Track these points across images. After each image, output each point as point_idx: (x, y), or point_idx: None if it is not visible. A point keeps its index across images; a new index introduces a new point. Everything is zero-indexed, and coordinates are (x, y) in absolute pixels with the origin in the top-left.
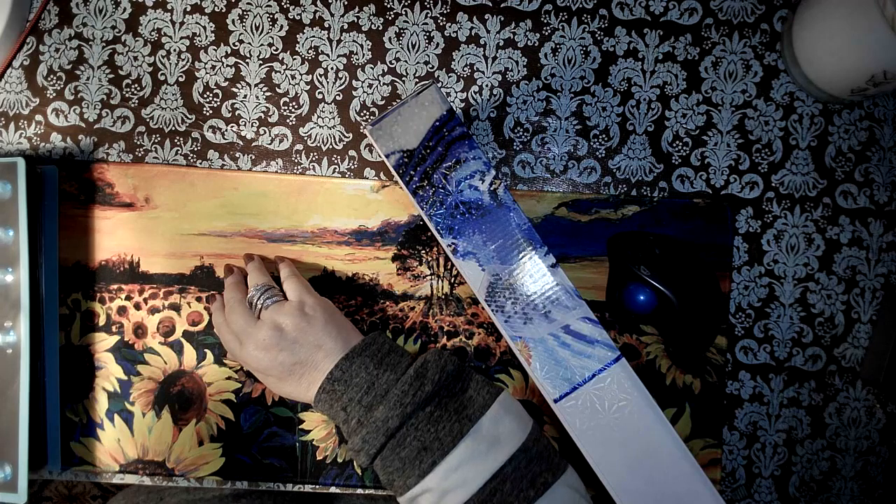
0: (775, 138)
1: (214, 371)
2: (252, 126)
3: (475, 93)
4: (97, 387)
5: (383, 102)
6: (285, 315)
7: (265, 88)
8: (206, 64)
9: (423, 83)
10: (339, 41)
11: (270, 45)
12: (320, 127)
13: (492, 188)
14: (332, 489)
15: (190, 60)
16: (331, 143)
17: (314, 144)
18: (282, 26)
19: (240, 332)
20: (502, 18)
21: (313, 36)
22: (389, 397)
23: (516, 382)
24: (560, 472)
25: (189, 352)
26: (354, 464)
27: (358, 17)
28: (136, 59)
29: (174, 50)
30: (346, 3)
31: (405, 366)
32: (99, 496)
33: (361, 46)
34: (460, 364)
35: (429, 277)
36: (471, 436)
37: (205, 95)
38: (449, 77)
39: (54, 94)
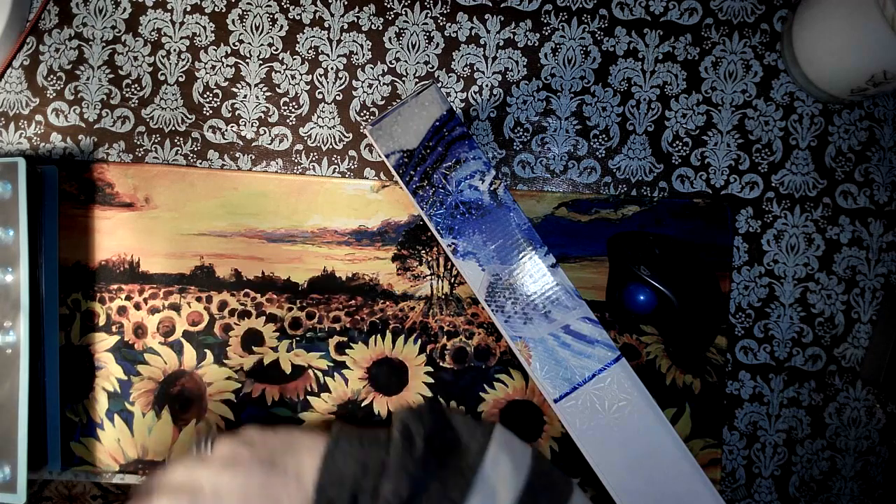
0: (775, 138)
1: (214, 371)
2: (252, 126)
3: (475, 93)
4: (97, 387)
5: (383, 102)
6: (241, 433)
7: (265, 88)
8: (206, 64)
9: (423, 83)
10: (339, 41)
11: (270, 45)
12: (320, 127)
13: (492, 188)
14: None
15: (190, 60)
16: (331, 143)
17: (314, 144)
18: (282, 26)
19: (186, 482)
20: (502, 18)
21: (313, 36)
22: (389, 469)
23: (516, 382)
24: (566, 498)
25: (189, 352)
26: None
27: (358, 17)
28: (136, 59)
29: (174, 50)
30: (346, 3)
31: (384, 435)
32: (99, 496)
33: (361, 46)
34: (433, 404)
35: (429, 277)
36: (477, 486)
37: (205, 95)
38: (449, 77)
39: (54, 94)
